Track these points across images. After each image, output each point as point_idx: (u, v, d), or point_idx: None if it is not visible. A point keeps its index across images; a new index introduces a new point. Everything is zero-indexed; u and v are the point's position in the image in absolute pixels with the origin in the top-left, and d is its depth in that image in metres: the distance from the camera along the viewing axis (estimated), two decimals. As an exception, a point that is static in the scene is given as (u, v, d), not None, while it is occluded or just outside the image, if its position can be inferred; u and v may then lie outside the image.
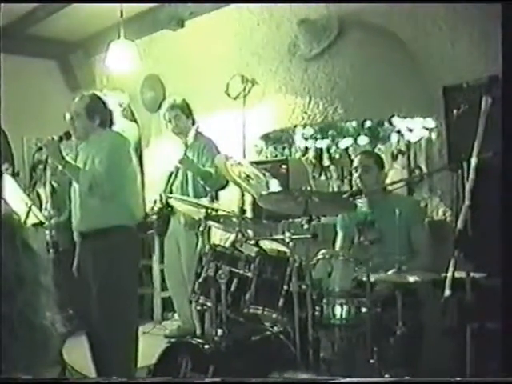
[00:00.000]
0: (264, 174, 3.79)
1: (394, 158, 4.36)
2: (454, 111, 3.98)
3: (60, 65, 6.93)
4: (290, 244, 2.98)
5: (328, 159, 4.57)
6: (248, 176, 3.70)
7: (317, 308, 2.96)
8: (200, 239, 3.53)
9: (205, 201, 4.02)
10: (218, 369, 2.75)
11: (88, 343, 3.53)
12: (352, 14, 4.46)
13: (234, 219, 3.57)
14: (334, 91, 4.18)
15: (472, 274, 2.54)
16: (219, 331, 3.01)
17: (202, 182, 4.44)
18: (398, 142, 4.27)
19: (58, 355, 2.86)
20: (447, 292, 2.32)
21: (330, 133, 4.31)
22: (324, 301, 2.98)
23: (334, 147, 4.42)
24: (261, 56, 5.21)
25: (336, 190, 4.63)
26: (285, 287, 3.00)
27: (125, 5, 5.06)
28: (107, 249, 3.41)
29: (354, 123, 4.22)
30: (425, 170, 4.30)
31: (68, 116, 3.58)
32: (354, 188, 3.72)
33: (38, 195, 5.64)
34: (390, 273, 3.04)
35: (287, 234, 2.98)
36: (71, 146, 4.01)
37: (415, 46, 4.30)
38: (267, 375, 2.52)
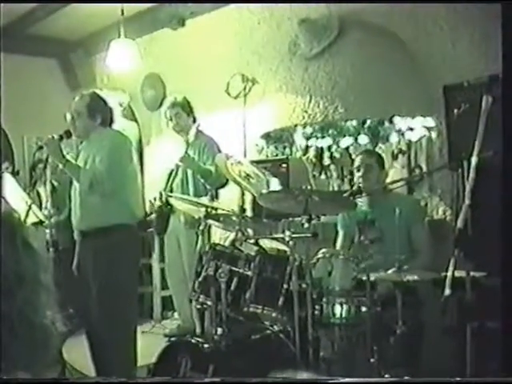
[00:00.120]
0: (264, 173, 3.79)
1: (395, 157, 4.36)
2: (455, 110, 3.98)
3: (60, 64, 6.93)
4: (290, 243, 2.98)
5: (328, 158, 4.57)
6: (248, 175, 3.70)
7: (317, 307, 2.96)
8: (200, 238, 3.53)
9: (205, 199, 4.01)
10: (218, 368, 2.76)
11: (88, 342, 3.54)
12: (352, 13, 4.45)
13: (234, 218, 3.57)
14: (335, 90, 4.18)
15: (472, 273, 2.54)
16: (219, 330, 3.01)
17: (202, 180, 4.44)
18: (399, 141, 4.27)
19: (57, 354, 2.86)
20: (447, 291, 2.32)
21: (330, 132, 4.31)
22: (324, 300, 2.98)
23: (334, 146, 4.42)
24: (261, 55, 5.21)
25: (336, 189, 4.63)
26: (285, 286, 3.00)
27: (125, 4, 5.06)
28: (107, 247, 3.41)
29: (354, 122, 4.22)
30: (425, 169, 4.30)
31: (69, 115, 3.58)
32: (356, 187, 3.72)
33: (38, 194, 5.64)
34: (390, 272, 3.04)
35: (287, 233, 2.98)
36: (71, 144, 4.02)
37: (416, 45, 4.30)
38: (267, 374, 2.52)
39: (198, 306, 3.38)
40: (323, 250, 3.16)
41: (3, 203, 3.82)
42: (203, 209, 3.47)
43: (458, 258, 2.35)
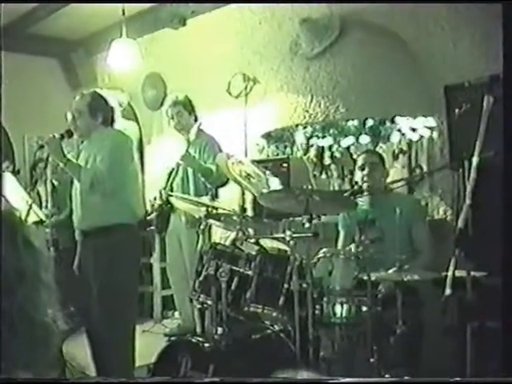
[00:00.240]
0: (264, 173, 3.79)
1: (395, 157, 4.36)
2: (456, 110, 3.98)
3: (61, 63, 6.94)
4: (291, 242, 2.97)
5: (329, 158, 4.57)
6: (249, 174, 3.69)
7: (317, 307, 2.96)
8: (201, 237, 3.53)
9: (205, 199, 4.01)
10: (218, 367, 2.76)
11: (88, 341, 3.54)
12: (354, 13, 4.46)
13: (235, 217, 3.57)
14: (336, 90, 4.18)
15: (472, 273, 2.54)
16: (219, 329, 3.01)
17: (202, 179, 4.44)
18: (400, 141, 4.27)
19: (58, 352, 2.86)
20: (448, 291, 2.33)
21: (331, 132, 4.31)
22: (324, 299, 2.98)
23: (335, 146, 4.42)
24: (262, 55, 5.21)
25: (337, 188, 4.63)
26: (285, 286, 3.00)
27: (126, 4, 5.07)
28: (108, 247, 3.41)
29: (355, 122, 4.22)
30: (426, 169, 4.30)
31: (69, 115, 3.57)
32: (360, 186, 3.72)
33: (39, 193, 5.65)
34: (390, 271, 3.04)
35: (288, 233, 2.98)
36: (72, 144, 4.02)
37: (417, 45, 4.30)
38: (267, 374, 2.52)
39: (199, 306, 3.38)
40: (324, 249, 3.16)
41: (4, 202, 3.83)
42: (204, 208, 3.47)
43: (459, 257, 2.35)
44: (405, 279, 2.89)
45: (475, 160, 2.42)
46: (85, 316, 3.56)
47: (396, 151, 4.34)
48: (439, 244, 3.63)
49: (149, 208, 4.74)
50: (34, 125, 6.29)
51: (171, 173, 4.56)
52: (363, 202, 3.65)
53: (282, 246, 3.36)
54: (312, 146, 4.50)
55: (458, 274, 2.35)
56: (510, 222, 2.04)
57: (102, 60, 5.91)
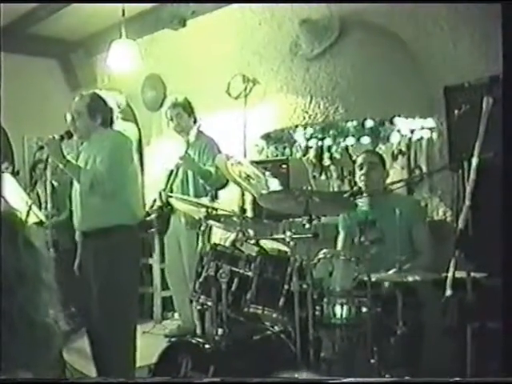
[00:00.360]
0: (264, 174, 3.79)
1: (395, 157, 4.36)
2: (455, 111, 3.98)
3: (61, 64, 6.94)
4: (291, 243, 2.97)
5: (328, 159, 4.57)
6: (248, 176, 3.69)
7: (317, 308, 2.96)
8: (200, 238, 3.53)
9: (205, 200, 4.01)
10: (219, 368, 2.75)
11: (89, 342, 3.54)
12: (353, 14, 4.46)
13: (235, 219, 3.57)
14: (336, 91, 4.18)
15: (473, 274, 2.54)
16: (220, 330, 3.01)
17: (202, 181, 4.44)
18: (399, 142, 4.27)
19: (59, 353, 2.86)
20: (448, 292, 2.33)
21: (330, 132, 4.31)
22: (325, 300, 2.98)
23: (334, 147, 4.42)
24: (262, 55, 5.21)
25: (336, 189, 4.63)
26: (285, 287, 3.00)
27: (126, 4, 5.06)
28: (108, 248, 3.41)
29: (355, 123, 4.22)
30: (425, 169, 4.30)
31: (69, 116, 3.57)
32: (357, 187, 3.72)
33: (38, 194, 5.64)
34: (390, 272, 3.04)
35: (288, 234, 2.98)
36: (72, 145, 4.02)
37: (416, 46, 4.30)
38: (267, 375, 2.52)
39: (199, 307, 3.38)
40: (324, 250, 3.15)
41: (3, 203, 3.82)
42: (204, 209, 3.47)
43: (459, 258, 2.35)
44: (405, 280, 2.89)
45: (475, 161, 2.42)
46: (85, 317, 3.56)
47: (395, 152, 4.34)
48: (439, 245, 3.63)
49: (148, 209, 4.73)
50: (34, 126, 6.29)
51: (171, 174, 4.56)
52: (363, 202, 3.65)
53: (282, 247, 3.36)
54: (311, 146, 4.50)
55: (458, 274, 2.35)
56: (510, 222, 2.04)
57: (102, 61, 5.91)
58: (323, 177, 4.69)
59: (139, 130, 6.26)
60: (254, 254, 3.18)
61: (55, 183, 5.29)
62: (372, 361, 2.87)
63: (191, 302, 3.36)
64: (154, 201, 4.55)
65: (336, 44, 4.27)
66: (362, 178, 3.66)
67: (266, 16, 5.26)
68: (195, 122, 4.69)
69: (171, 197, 4.21)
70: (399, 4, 4.32)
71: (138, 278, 3.78)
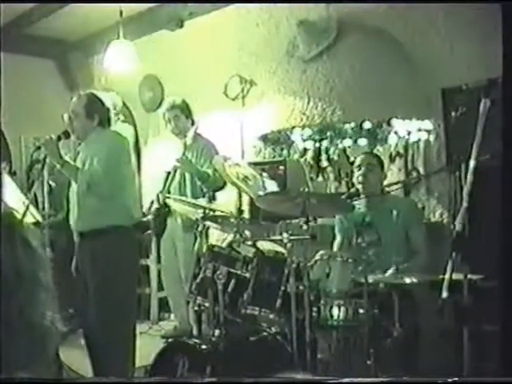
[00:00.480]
0: (261, 175, 3.80)
1: (392, 159, 4.36)
2: (453, 113, 3.99)
3: (58, 64, 6.92)
4: (288, 245, 2.98)
5: (326, 160, 4.57)
6: (246, 177, 3.70)
7: (314, 309, 2.96)
8: (198, 240, 3.52)
9: (202, 201, 4.01)
10: (215, 369, 2.75)
11: (86, 343, 3.53)
12: (351, 15, 4.46)
13: (232, 220, 3.58)
14: (333, 92, 4.19)
15: (469, 276, 2.55)
16: (216, 332, 3.01)
17: (199, 183, 4.44)
18: (397, 143, 4.28)
19: (55, 354, 2.86)
20: (444, 294, 2.33)
21: (328, 134, 4.31)
22: (321, 302, 2.98)
23: (331, 148, 4.42)
24: (259, 57, 5.21)
25: (333, 191, 4.63)
26: (282, 288, 3.00)
27: (124, 5, 5.06)
28: (105, 249, 3.40)
29: (352, 125, 4.22)
30: (422, 171, 4.30)
31: (66, 116, 3.57)
32: (354, 188, 3.72)
33: (35, 195, 5.63)
34: (387, 274, 3.04)
35: (285, 235, 2.98)
36: (69, 145, 4.01)
37: (414, 47, 4.30)
38: (264, 376, 2.52)
39: (195, 308, 3.38)
40: (321, 252, 3.16)
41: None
42: (201, 210, 3.47)
43: (456, 260, 2.36)
44: (402, 282, 2.89)
45: (472, 163, 2.42)
46: (83, 318, 3.55)
47: (393, 154, 4.34)
48: (436, 247, 3.63)
49: (145, 211, 4.72)
50: (31, 126, 6.27)
51: (168, 176, 4.55)
52: (360, 204, 3.65)
53: (279, 249, 3.35)
54: (309, 148, 4.50)
55: (454, 276, 2.35)
56: (507, 224, 2.04)
57: (99, 61, 5.90)
58: (320, 178, 4.69)
59: (136, 130, 6.25)
60: (250, 256, 3.18)
61: (52, 183, 5.28)
62: (368, 362, 2.87)
63: (188, 303, 3.36)
64: (152, 202, 4.54)
65: (333, 46, 4.28)
66: (360, 179, 3.66)
67: (264, 17, 5.26)
68: (193, 124, 4.68)
69: (169, 197, 4.21)
70: (397, 6, 4.32)
71: (135, 279, 3.77)
